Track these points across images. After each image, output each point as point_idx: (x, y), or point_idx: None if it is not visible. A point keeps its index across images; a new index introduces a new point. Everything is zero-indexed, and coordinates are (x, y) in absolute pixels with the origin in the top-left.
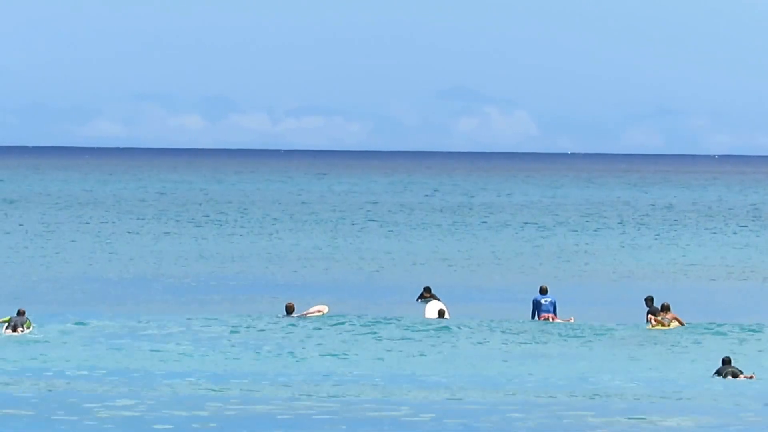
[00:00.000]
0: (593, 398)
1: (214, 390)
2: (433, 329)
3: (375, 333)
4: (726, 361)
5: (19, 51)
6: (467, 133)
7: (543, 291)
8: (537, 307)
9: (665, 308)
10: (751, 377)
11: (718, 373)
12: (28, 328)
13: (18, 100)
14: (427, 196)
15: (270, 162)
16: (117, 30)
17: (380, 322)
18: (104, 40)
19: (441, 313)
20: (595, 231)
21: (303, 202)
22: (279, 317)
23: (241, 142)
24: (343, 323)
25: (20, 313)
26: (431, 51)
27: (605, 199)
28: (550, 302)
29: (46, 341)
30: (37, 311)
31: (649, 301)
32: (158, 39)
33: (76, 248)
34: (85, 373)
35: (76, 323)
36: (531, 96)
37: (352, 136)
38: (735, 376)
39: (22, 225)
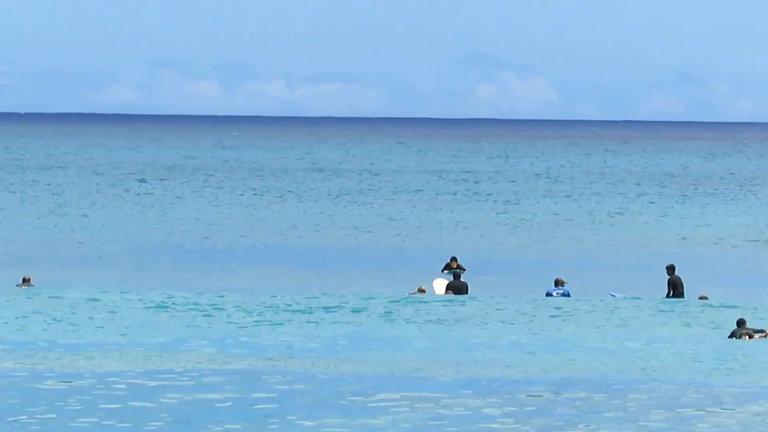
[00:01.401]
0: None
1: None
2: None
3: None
4: (740, 323)
5: (37, 17)
6: (485, 99)
7: (558, 283)
8: (549, 296)
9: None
10: (766, 335)
11: (732, 335)
12: None
13: (35, 66)
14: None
15: (289, 129)
16: None
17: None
18: (122, 6)
19: (456, 288)
20: (618, 197)
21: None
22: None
23: (258, 108)
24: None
25: (25, 280)
26: (450, 16)
27: (630, 167)
28: (563, 294)
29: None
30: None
31: (670, 269)
32: (176, 5)
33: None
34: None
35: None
36: (550, 62)
37: (368, 102)
38: (750, 336)
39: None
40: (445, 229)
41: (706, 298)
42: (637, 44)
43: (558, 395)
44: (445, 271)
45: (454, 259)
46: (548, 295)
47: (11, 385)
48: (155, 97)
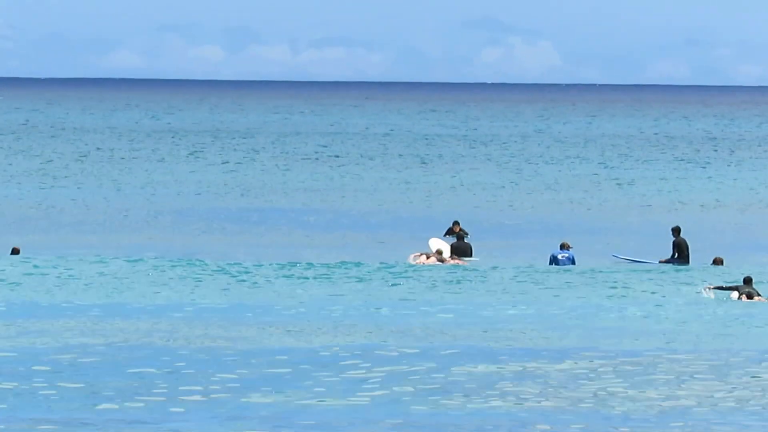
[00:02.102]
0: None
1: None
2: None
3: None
4: (747, 281)
5: None
6: (491, 64)
7: (563, 246)
8: (554, 261)
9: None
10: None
11: (736, 291)
12: None
13: (37, 30)
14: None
15: (296, 94)
16: None
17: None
18: None
19: (459, 250)
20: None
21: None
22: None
23: (262, 73)
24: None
25: (14, 251)
26: None
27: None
28: (568, 257)
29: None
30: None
31: (675, 231)
32: None
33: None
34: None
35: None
36: (555, 26)
37: (373, 67)
38: (750, 297)
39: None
40: (446, 192)
41: (721, 262)
42: (642, 8)
43: (556, 366)
44: (448, 236)
45: (456, 222)
46: (553, 257)
47: None
48: (158, 62)
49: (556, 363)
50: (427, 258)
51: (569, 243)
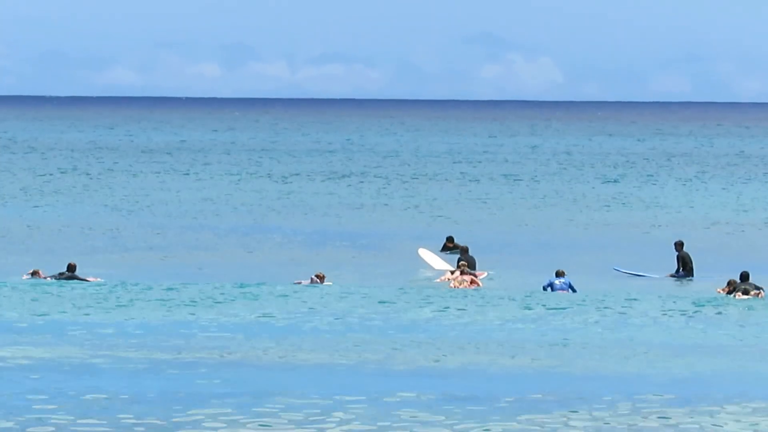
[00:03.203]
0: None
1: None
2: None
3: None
4: (743, 277)
5: None
6: (491, 80)
7: (558, 274)
8: (551, 289)
9: (744, 277)
10: (759, 294)
11: (732, 289)
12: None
13: (34, 48)
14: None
15: (292, 111)
16: None
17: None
18: None
19: (468, 263)
20: (616, 181)
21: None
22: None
23: (260, 90)
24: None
25: (34, 273)
26: None
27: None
28: (565, 282)
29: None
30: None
31: (678, 245)
32: None
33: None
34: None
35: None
36: (555, 42)
37: (372, 83)
38: (746, 293)
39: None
40: (442, 208)
41: (739, 290)
42: (643, 23)
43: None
44: (446, 252)
45: (449, 238)
46: (550, 285)
47: None
48: (155, 79)
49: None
50: (453, 275)
51: (564, 270)
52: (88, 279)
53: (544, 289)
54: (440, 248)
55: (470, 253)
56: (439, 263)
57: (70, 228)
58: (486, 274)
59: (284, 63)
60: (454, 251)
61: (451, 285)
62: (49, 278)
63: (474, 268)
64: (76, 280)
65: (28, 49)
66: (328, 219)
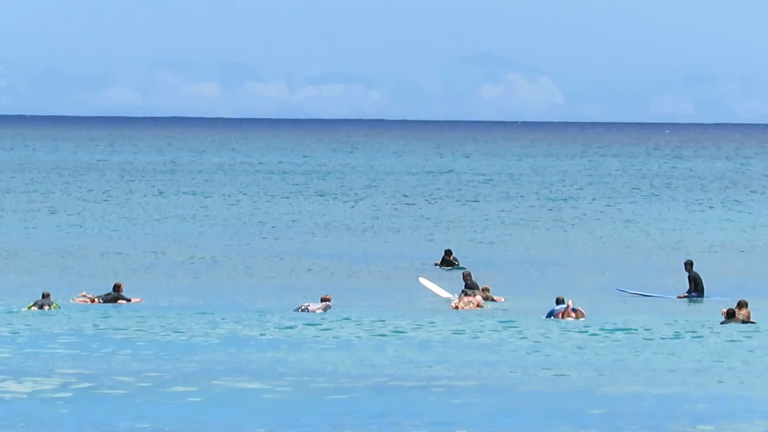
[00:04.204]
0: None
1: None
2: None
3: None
4: (741, 304)
5: (34, 17)
6: (491, 101)
7: (559, 301)
8: (552, 314)
9: (742, 305)
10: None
11: (729, 317)
12: (55, 308)
13: (32, 66)
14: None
15: (292, 131)
16: None
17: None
18: (120, 5)
19: (473, 287)
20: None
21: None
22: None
23: (259, 110)
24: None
25: (45, 295)
26: (454, 16)
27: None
28: (565, 306)
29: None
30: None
31: (688, 265)
32: (174, 5)
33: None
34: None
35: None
36: (556, 62)
37: (372, 104)
38: (744, 322)
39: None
40: (438, 227)
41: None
42: (644, 44)
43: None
44: (442, 266)
45: (448, 252)
46: (551, 314)
47: None
48: (154, 99)
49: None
50: (466, 300)
51: (563, 297)
52: (131, 299)
53: (547, 317)
54: (439, 262)
55: (473, 277)
56: (441, 291)
57: (111, 248)
58: (504, 299)
59: (283, 83)
60: (455, 268)
61: (452, 305)
62: (97, 299)
63: (477, 288)
64: (122, 300)
65: (26, 68)
66: (326, 239)
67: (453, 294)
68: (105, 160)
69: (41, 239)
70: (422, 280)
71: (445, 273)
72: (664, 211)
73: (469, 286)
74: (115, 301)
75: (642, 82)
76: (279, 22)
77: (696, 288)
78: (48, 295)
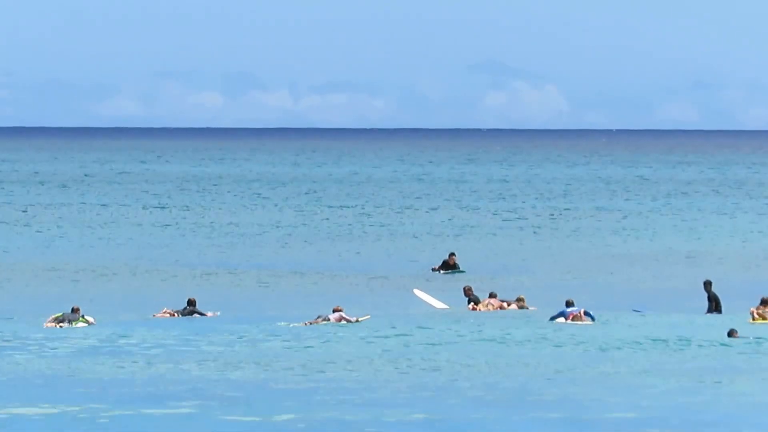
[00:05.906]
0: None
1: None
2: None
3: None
4: (731, 333)
5: (37, 27)
6: (496, 109)
7: (569, 304)
8: (562, 315)
9: (766, 302)
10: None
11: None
12: (83, 323)
13: (35, 77)
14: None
15: (296, 140)
16: (136, 5)
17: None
18: (123, 15)
19: (477, 301)
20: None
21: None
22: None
23: (262, 120)
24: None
25: (74, 310)
26: (459, 24)
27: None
28: (577, 310)
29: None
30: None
31: (707, 284)
32: (178, 14)
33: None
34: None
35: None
36: (561, 70)
37: (376, 112)
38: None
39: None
40: (442, 234)
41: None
42: (649, 51)
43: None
44: (442, 271)
45: (452, 254)
46: (561, 314)
47: None
48: (157, 109)
49: None
50: (486, 302)
51: (573, 300)
52: (206, 314)
53: (552, 319)
54: (440, 265)
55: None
56: (436, 303)
57: (176, 263)
58: (536, 309)
59: (287, 92)
60: (456, 272)
61: (469, 307)
62: (175, 313)
63: (478, 301)
64: (197, 314)
65: (28, 79)
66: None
67: (449, 305)
68: (152, 170)
69: (123, 254)
70: (417, 291)
71: (444, 279)
72: (679, 222)
73: (472, 301)
74: (191, 315)
75: (647, 89)
76: (282, 32)
77: (716, 307)
78: (77, 309)
